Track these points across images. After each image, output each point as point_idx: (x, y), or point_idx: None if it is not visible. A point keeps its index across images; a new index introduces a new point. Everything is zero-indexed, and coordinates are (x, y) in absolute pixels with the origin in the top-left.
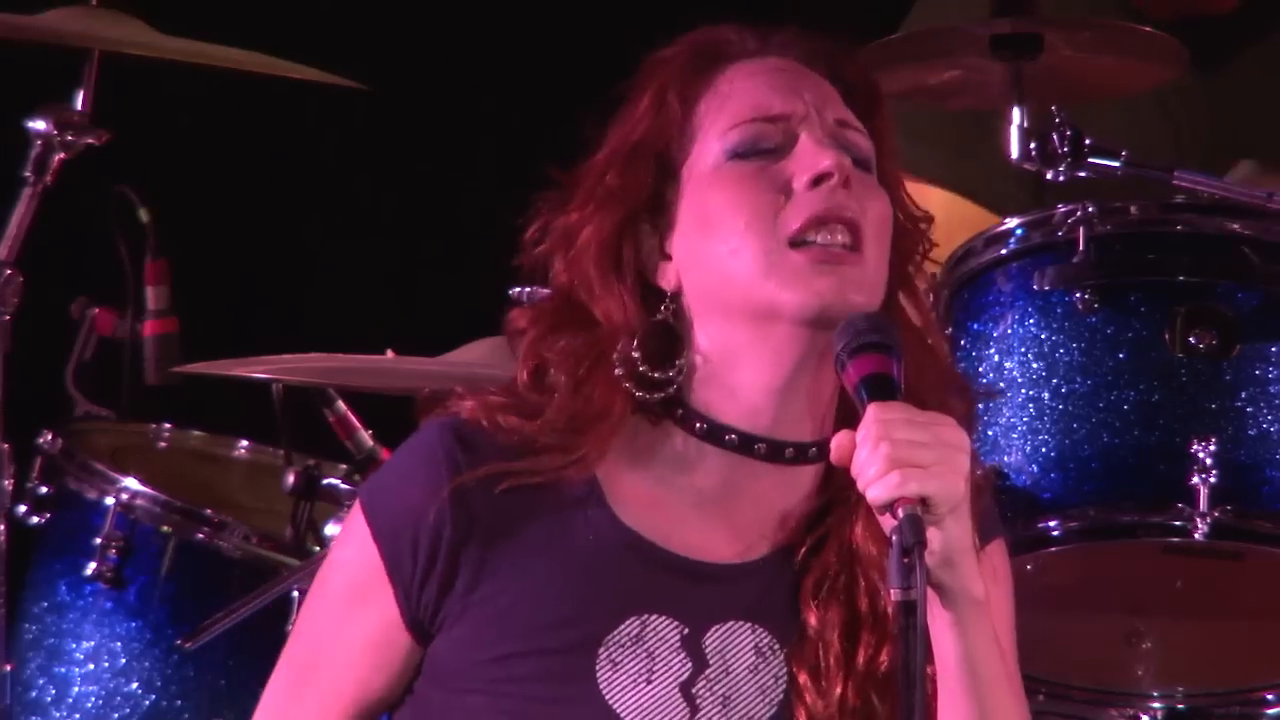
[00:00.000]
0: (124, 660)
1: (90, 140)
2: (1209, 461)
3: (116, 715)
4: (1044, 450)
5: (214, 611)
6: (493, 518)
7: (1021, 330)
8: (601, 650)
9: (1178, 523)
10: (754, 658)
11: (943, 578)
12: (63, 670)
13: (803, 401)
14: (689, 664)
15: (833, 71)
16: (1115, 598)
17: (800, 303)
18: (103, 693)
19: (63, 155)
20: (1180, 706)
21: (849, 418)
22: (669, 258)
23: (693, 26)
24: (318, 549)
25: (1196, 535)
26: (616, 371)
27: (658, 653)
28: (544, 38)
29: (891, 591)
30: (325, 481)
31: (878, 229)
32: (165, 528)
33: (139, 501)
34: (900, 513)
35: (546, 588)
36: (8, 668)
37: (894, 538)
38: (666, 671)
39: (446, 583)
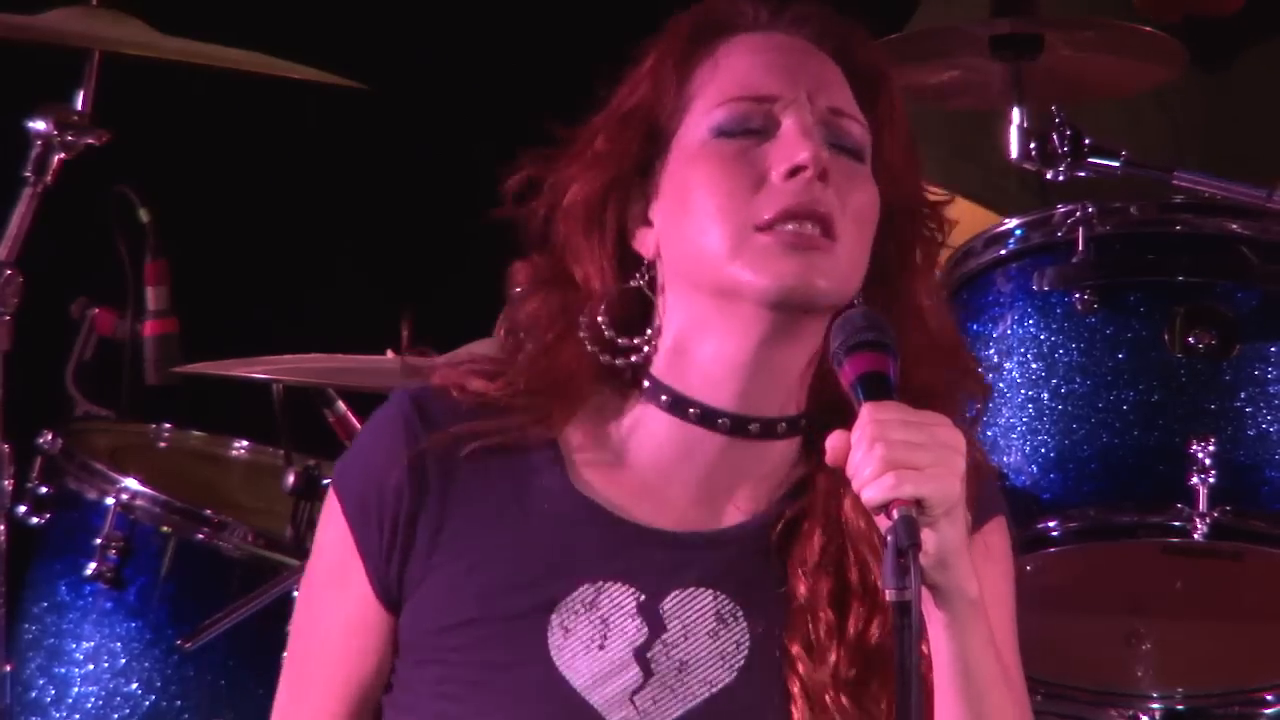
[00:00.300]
0: (124, 660)
1: (90, 140)
2: (1208, 462)
3: (116, 715)
4: (1043, 451)
5: (214, 611)
6: (450, 484)
7: (1021, 331)
8: (554, 616)
9: (1177, 523)
10: (714, 623)
11: (937, 578)
12: (63, 670)
13: (769, 379)
14: (644, 629)
15: (841, 54)
16: (1115, 598)
17: (763, 286)
18: (103, 693)
19: (63, 155)
20: (1180, 707)
21: (827, 397)
22: (650, 224)
23: None
24: None
25: (1196, 535)
26: (581, 335)
27: (612, 619)
28: (545, 38)
29: (886, 592)
30: (325, 481)
31: (857, 220)
32: (165, 528)
33: (139, 501)
34: (895, 514)
35: (501, 554)
36: (8, 668)
37: (889, 539)
38: (620, 637)
39: (407, 551)
